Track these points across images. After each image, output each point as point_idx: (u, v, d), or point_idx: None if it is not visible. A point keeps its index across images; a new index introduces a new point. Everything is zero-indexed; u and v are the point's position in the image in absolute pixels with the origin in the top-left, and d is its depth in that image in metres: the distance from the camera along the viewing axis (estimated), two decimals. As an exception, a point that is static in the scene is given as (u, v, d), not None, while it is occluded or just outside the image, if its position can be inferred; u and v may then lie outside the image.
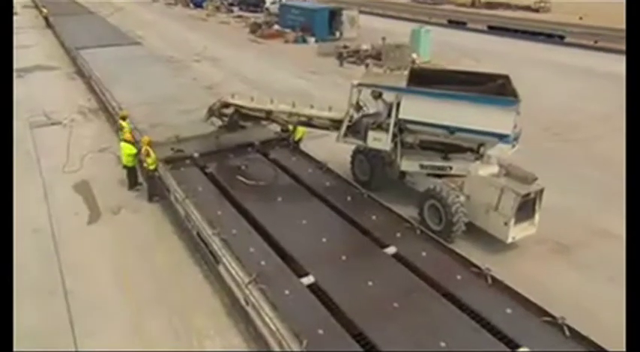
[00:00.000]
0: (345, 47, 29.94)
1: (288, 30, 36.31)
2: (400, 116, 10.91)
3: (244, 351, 7.91)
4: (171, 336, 8.22)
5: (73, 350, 7.94)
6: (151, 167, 12.00)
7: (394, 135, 11.19)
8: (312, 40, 34.41)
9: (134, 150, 12.36)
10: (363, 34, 34.18)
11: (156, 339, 8.15)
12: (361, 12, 38.06)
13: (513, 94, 10.36)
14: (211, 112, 13.42)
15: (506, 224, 10.05)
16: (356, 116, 11.87)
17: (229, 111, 13.23)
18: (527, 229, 10.49)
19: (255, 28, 38.11)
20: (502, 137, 10.43)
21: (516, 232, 10.25)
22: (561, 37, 33.56)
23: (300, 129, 13.50)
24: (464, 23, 40.06)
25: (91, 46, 25.13)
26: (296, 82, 23.40)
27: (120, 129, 14.26)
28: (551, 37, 34.17)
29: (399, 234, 9.41)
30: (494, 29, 37.52)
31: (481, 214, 10.49)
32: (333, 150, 13.19)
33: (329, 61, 29.00)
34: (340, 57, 28.63)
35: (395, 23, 40.22)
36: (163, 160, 12.23)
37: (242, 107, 12.97)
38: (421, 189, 11.48)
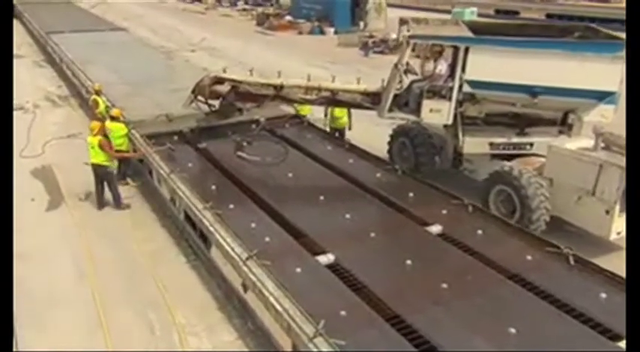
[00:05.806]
0: (371, 36, 30.19)
1: (302, 20, 36.54)
2: (467, 77, 10.06)
3: (240, 351, 7.22)
4: (144, 333, 7.56)
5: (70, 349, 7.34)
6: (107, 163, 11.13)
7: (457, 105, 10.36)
8: (330, 31, 34.56)
9: (125, 129, 11.84)
10: (391, 26, 34.13)
11: (124, 336, 7.48)
12: (389, 5, 38.15)
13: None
14: (201, 92, 11.88)
15: (608, 212, 8.76)
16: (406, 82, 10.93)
17: (224, 89, 11.84)
18: None
19: (262, 20, 38.55)
20: (605, 97, 9.47)
21: (623, 225, 8.73)
22: None
23: (306, 107, 13.17)
24: (516, 12, 39.94)
25: (65, 31, 25.30)
26: (312, 71, 22.94)
27: (95, 106, 13.99)
28: (627, 24, 33.89)
29: (444, 212, 8.72)
30: (553, 18, 37.29)
31: (570, 203, 9.26)
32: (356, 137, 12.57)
33: (351, 51, 29.00)
34: (365, 46, 28.75)
35: (430, 15, 40.24)
36: (146, 136, 11.82)
37: (241, 83, 11.86)
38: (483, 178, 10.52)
